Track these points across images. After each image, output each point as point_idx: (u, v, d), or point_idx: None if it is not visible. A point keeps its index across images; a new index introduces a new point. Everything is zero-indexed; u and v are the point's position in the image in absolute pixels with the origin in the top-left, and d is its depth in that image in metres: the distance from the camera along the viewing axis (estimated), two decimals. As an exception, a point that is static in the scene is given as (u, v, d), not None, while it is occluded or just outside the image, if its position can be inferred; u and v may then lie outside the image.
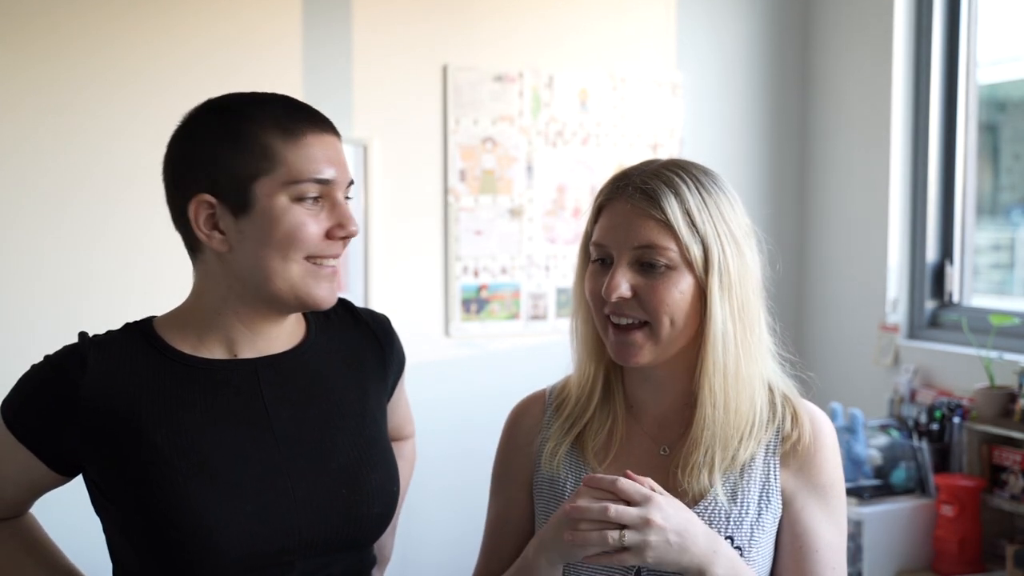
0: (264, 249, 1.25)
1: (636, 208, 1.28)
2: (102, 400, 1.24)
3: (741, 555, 1.29)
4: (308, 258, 1.26)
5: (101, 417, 1.24)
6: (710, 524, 1.28)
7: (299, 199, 1.25)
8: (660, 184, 1.28)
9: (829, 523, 1.32)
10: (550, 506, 1.36)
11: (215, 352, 1.31)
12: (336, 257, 1.29)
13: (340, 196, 1.28)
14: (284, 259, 1.25)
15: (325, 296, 1.29)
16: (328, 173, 1.26)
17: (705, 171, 1.33)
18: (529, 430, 1.41)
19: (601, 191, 1.34)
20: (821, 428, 1.33)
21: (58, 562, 1.38)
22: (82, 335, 1.30)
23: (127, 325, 1.34)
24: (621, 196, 1.30)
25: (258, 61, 3.16)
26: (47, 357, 1.29)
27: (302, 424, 1.31)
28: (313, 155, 1.25)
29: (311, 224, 1.25)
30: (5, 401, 1.30)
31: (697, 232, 1.27)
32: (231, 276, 1.27)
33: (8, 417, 1.28)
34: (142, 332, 1.31)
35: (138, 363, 1.27)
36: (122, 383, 1.26)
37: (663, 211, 1.26)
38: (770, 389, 1.35)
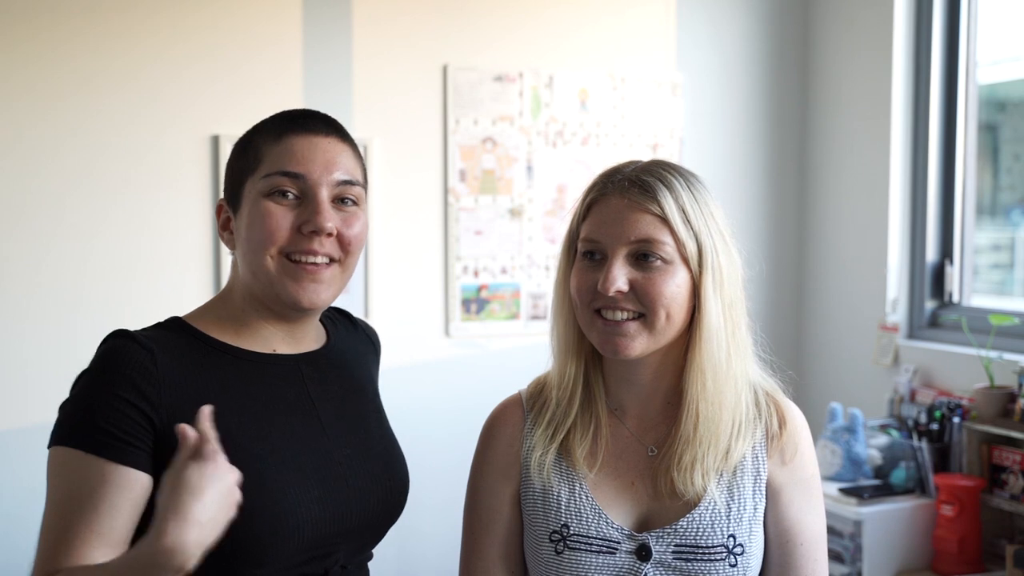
0: (245, 245, 1.29)
1: (632, 202, 1.28)
2: (174, 389, 1.21)
3: (743, 552, 1.29)
4: (283, 255, 1.27)
5: (176, 406, 1.20)
6: (712, 524, 1.28)
7: (270, 193, 1.26)
8: (654, 179, 1.29)
9: (814, 515, 1.34)
10: (548, 518, 1.32)
11: (256, 346, 1.32)
12: (312, 254, 1.27)
13: (322, 194, 1.27)
14: (256, 253, 1.27)
15: (299, 296, 1.27)
16: (299, 167, 1.26)
17: (690, 171, 1.34)
18: (510, 439, 1.37)
19: (591, 188, 1.34)
20: (801, 425, 1.37)
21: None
22: (123, 332, 1.24)
23: (158, 324, 1.31)
24: (614, 191, 1.30)
25: (258, 61, 3.16)
26: (104, 361, 1.21)
27: (342, 416, 1.36)
28: (289, 151, 1.27)
29: (278, 217, 1.26)
30: (70, 429, 1.19)
31: (691, 228, 1.27)
32: (243, 274, 1.32)
33: (87, 441, 1.17)
34: (180, 328, 1.29)
35: (189, 355, 1.26)
36: (185, 373, 1.23)
37: (659, 205, 1.26)
38: (753, 388, 1.35)
